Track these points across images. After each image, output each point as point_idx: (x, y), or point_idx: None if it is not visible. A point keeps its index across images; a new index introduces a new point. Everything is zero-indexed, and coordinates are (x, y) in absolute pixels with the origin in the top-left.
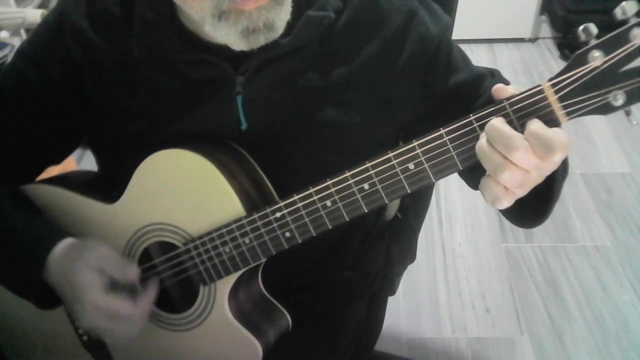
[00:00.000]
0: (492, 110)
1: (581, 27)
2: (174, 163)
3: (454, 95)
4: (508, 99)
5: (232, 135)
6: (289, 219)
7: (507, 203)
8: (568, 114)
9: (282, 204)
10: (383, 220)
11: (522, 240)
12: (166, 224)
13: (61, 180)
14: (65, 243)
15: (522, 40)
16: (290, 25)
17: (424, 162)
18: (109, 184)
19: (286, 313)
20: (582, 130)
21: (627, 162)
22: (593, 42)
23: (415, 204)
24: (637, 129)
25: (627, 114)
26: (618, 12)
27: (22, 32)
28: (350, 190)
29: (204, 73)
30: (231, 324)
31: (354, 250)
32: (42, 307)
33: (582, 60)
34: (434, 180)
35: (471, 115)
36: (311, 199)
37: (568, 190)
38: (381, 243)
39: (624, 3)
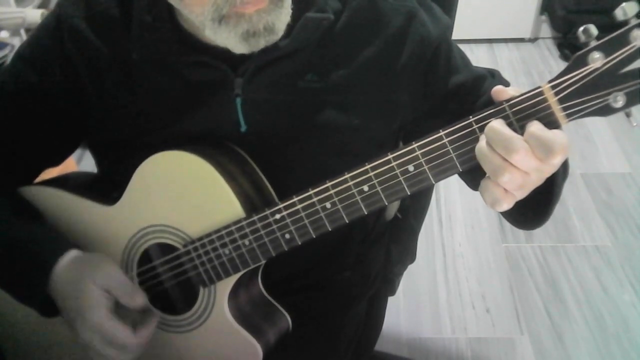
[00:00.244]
0: (491, 112)
1: (581, 28)
2: (174, 165)
3: (454, 96)
4: (508, 100)
5: (232, 137)
6: (288, 220)
7: (506, 205)
8: (568, 115)
9: (281, 205)
10: (383, 221)
11: (522, 240)
12: (166, 225)
13: (61, 182)
14: (71, 255)
15: (522, 40)
16: (289, 27)
17: (424, 164)
18: (108, 185)
19: (286, 314)
20: (582, 131)
21: (627, 162)
22: (593, 43)
23: (415, 204)
24: (637, 130)
25: (628, 115)
26: (618, 13)
27: (22, 32)
28: (350, 192)
29: (203, 75)
30: (231, 326)
31: (354, 251)
32: (46, 315)
33: (582, 61)
34: (433, 182)
35: (471, 117)
36: (311, 201)
37: (568, 190)
38: (381, 243)
39: (624, 4)
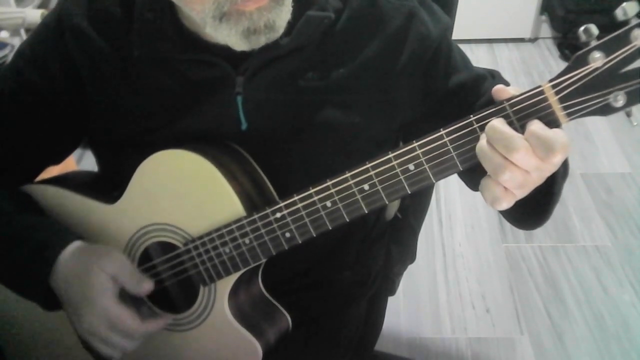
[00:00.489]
0: (492, 111)
1: (582, 28)
2: (174, 163)
3: (454, 95)
4: (508, 99)
5: (232, 135)
6: (289, 219)
7: (506, 204)
8: (568, 114)
9: (282, 204)
10: (383, 220)
11: (522, 240)
12: (166, 224)
13: (61, 180)
14: (75, 245)
15: (522, 40)
16: (290, 25)
17: (424, 162)
18: (109, 184)
19: (286, 313)
20: (582, 130)
21: (627, 162)
22: (594, 43)
23: (415, 204)
24: (637, 129)
25: (628, 115)
26: (619, 13)
27: (22, 32)
28: (351, 191)
29: (204, 73)
30: (231, 324)
31: (354, 250)
32: (48, 308)
33: (583, 61)
34: (434, 181)
35: (471, 116)
36: (311, 200)
37: (568, 190)
38: (381, 243)
39: (624, 4)
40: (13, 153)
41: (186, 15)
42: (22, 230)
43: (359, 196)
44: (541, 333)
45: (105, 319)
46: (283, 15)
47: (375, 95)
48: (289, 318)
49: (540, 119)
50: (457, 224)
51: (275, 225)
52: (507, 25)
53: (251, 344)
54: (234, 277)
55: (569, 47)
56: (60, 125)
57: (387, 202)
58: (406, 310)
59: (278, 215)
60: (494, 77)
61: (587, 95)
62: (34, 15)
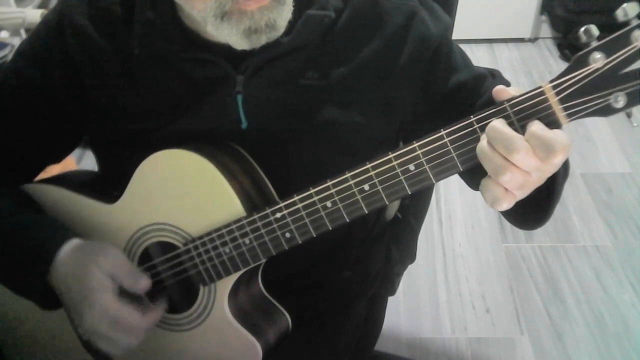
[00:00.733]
0: (493, 112)
1: (582, 29)
2: (174, 163)
3: (454, 95)
4: (509, 100)
5: (233, 134)
6: (289, 219)
7: (506, 205)
8: (569, 115)
9: (282, 204)
10: (383, 220)
11: (522, 240)
12: (166, 224)
13: (61, 180)
14: (72, 243)
15: (522, 40)
16: (290, 24)
17: (425, 163)
18: (109, 183)
19: (286, 313)
20: (582, 130)
21: (627, 162)
22: (594, 43)
23: (415, 204)
24: (637, 129)
25: (628, 115)
26: (620, 14)
27: (22, 32)
28: (351, 191)
29: (204, 72)
30: (231, 325)
31: (354, 250)
32: (45, 307)
33: (583, 61)
34: (434, 182)
35: (472, 116)
36: (311, 200)
37: (568, 190)
38: (381, 243)
39: (625, 5)
40: (13, 152)
41: (187, 14)
42: (19, 228)
43: (359, 196)
44: (541, 333)
45: (106, 317)
46: (284, 15)
47: (375, 94)
48: (289, 318)
49: (541, 119)
50: (457, 224)
51: (275, 225)
52: (507, 25)
53: (251, 343)
54: (234, 277)
55: (569, 47)
56: (60, 124)
57: (387, 203)
58: (406, 310)
59: (278, 215)
60: (495, 76)
61: (587, 96)
62: (34, 15)
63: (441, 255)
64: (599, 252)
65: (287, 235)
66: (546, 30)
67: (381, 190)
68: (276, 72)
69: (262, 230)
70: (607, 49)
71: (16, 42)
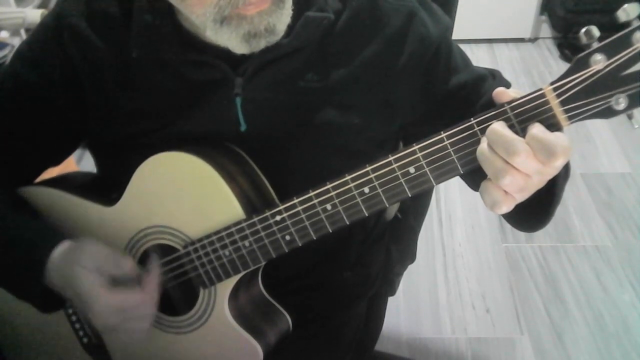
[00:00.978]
0: (493, 114)
1: (583, 30)
2: (173, 166)
3: (455, 96)
4: (509, 102)
5: (232, 136)
6: (289, 222)
7: (506, 208)
8: (570, 118)
9: (282, 207)
10: (383, 221)
11: (522, 240)
12: (166, 226)
13: (60, 182)
14: (62, 247)
15: (522, 40)
16: (289, 26)
17: (425, 166)
18: (108, 186)
19: (286, 314)
20: (582, 131)
21: (627, 162)
22: (595, 45)
23: (416, 204)
24: (637, 129)
25: (629, 117)
26: (621, 15)
27: (22, 32)
28: (351, 194)
29: (203, 74)
30: (231, 327)
31: (354, 251)
32: (44, 310)
33: (584, 63)
34: (434, 184)
35: (472, 119)
36: (311, 203)
37: (568, 190)
38: (381, 243)
39: (626, 5)
40: (12, 154)
41: (185, 17)
42: (13, 231)
43: (359, 199)
44: (541, 333)
45: (110, 310)
46: (283, 19)
47: (375, 96)
48: (289, 319)
49: (542, 122)
50: (457, 224)
51: (275, 228)
52: (507, 25)
53: (252, 345)
54: (234, 279)
55: (569, 47)
56: (59, 126)
57: (387, 205)
58: (406, 310)
59: (278, 218)
60: (495, 77)
61: (588, 98)
62: (34, 15)
63: (441, 255)
64: (599, 252)
65: (287, 237)
66: (546, 30)
67: (381, 193)
68: (275, 74)
69: (262, 233)
70: (608, 51)
71: (16, 42)
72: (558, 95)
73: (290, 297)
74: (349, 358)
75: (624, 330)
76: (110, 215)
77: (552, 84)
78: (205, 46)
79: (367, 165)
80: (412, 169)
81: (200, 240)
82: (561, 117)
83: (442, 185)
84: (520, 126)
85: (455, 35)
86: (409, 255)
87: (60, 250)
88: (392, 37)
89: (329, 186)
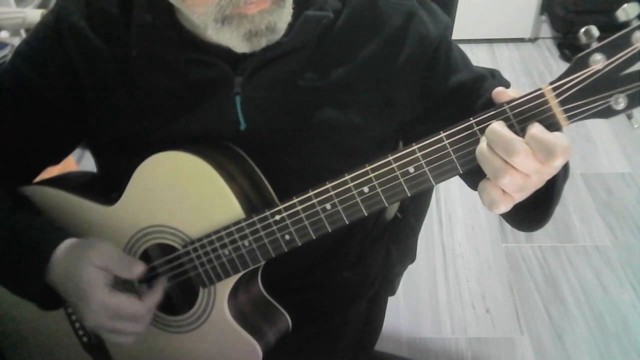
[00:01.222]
0: (492, 114)
1: (583, 30)
2: (173, 165)
3: (454, 95)
4: (509, 102)
5: (231, 135)
6: (288, 222)
7: (504, 207)
8: (569, 117)
9: (281, 206)
10: (383, 221)
11: (522, 240)
12: (165, 226)
13: (60, 182)
14: (67, 243)
15: (522, 40)
16: (289, 25)
17: (424, 165)
18: (107, 185)
19: (286, 314)
20: (582, 130)
21: (627, 162)
22: (594, 45)
23: (415, 204)
24: (637, 130)
25: (629, 117)
26: (620, 15)
27: (22, 32)
28: (350, 194)
29: (202, 73)
30: (231, 326)
31: (354, 251)
32: (44, 308)
33: (584, 63)
34: (434, 184)
35: (471, 118)
36: (311, 202)
37: (568, 190)
38: (381, 243)
39: (625, 5)
40: (11, 153)
41: (185, 16)
42: (15, 229)
43: (358, 199)
44: (541, 333)
45: (106, 311)
46: (284, 17)
47: (374, 95)
48: (289, 319)
49: (541, 121)
50: (457, 224)
51: (274, 227)
52: (507, 25)
53: (251, 345)
54: (234, 278)
55: (569, 47)
56: (58, 125)
57: (386, 205)
58: (406, 310)
59: (277, 217)
60: (494, 76)
61: (587, 98)
62: (34, 15)
63: (441, 255)
64: (599, 252)
65: (287, 237)
66: (546, 30)
67: (380, 193)
68: (275, 73)
69: (261, 233)
70: (608, 51)
71: (16, 42)
72: (557, 95)
73: (289, 296)
74: (349, 358)
75: (624, 330)
76: (110, 215)
77: (551, 83)
78: (205, 45)
79: (367, 165)
80: (411, 169)
81: (199, 239)
82: (560, 116)
83: (442, 185)
84: (519, 126)
85: (455, 35)
86: (409, 255)
87: (65, 246)
88: (391, 36)
89: (328, 186)
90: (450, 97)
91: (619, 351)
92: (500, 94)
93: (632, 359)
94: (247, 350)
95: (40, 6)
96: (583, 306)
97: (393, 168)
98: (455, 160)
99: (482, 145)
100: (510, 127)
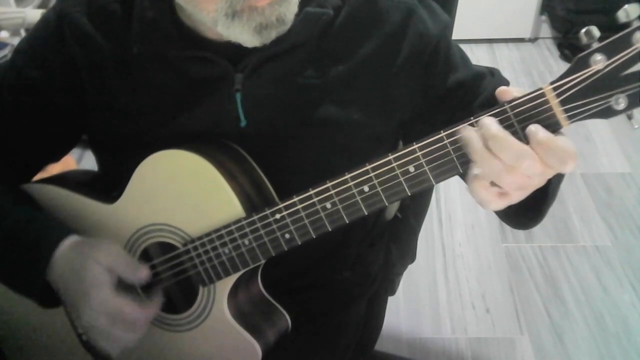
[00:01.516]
0: (492, 113)
1: (583, 30)
2: (174, 163)
3: (453, 93)
4: (509, 102)
5: (232, 132)
6: (288, 220)
7: (494, 205)
8: (569, 117)
9: (281, 205)
10: (383, 220)
11: (522, 240)
12: (165, 224)
13: (60, 180)
14: (71, 240)
15: (522, 40)
16: None
17: (425, 164)
18: (108, 183)
19: (285, 314)
20: (582, 131)
21: (627, 162)
22: (595, 45)
23: (416, 204)
24: (637, 130)
25: (629, 117)
26: (621, 15)
27: (22, 32)
28: (350, 193)
29: (203, 71)
30: (230, 325)
31: (354, 251)
32: (44, 305)
33: (584, 63)
34: (434, 183)
35: (472, 118)
36: (311, 201)
37: (568, 190)
38: (381, 243)
39: (626, 6)
40: (11, 150)
41: (187, 13)
42: (18, 225)
43: (358, 198)
44: (541, 333)
45: (105, 311)
46: (291, 8)
47: (373, 92)
48: (289, 318)
49: (541, 121)
50: (457, 224)
51: (274, 226)
52: (507, 25)
53: (250, 344)
54: (234, 277)
55: (569, 47)
56: (59, 122)
57: (387, 204)
58: (406, 310)
59: (277, 216)
60: (493, 75)
61: (588, 98)
62: (34, 15)
63: (441, 255)
64: (599, 252)
65: (287, 236)
66: (546, 30)
67: (381, 192)
68: (275, 70)
69: (262, 231)
70: (608, 51)
71: (16, 42)
72: (558, 95)
73: (289, 296)
74: (349, 358)
75: (624, 330)
76: (110, 213)
77: (551, 83)
78: (206, 42)
79: (367, 164)
80: (411, 168)
81: (200, 238)
82: (561, 116)
83: (442, 185)
84: (519, 125)
85: (455, 35)
86: (409, 255)
87: (69, 243)
88: (391, 34)
89: (328, 185)
90: (449, 95)
91: (619, 351)
92: (503, 92)
93: (632, 359)
94: (247, 349)
95: (40, 6)
96: (583, 306)
97: (393, 167)
98: (456, 160)
99: (480, 145)
100: (511, 126)
